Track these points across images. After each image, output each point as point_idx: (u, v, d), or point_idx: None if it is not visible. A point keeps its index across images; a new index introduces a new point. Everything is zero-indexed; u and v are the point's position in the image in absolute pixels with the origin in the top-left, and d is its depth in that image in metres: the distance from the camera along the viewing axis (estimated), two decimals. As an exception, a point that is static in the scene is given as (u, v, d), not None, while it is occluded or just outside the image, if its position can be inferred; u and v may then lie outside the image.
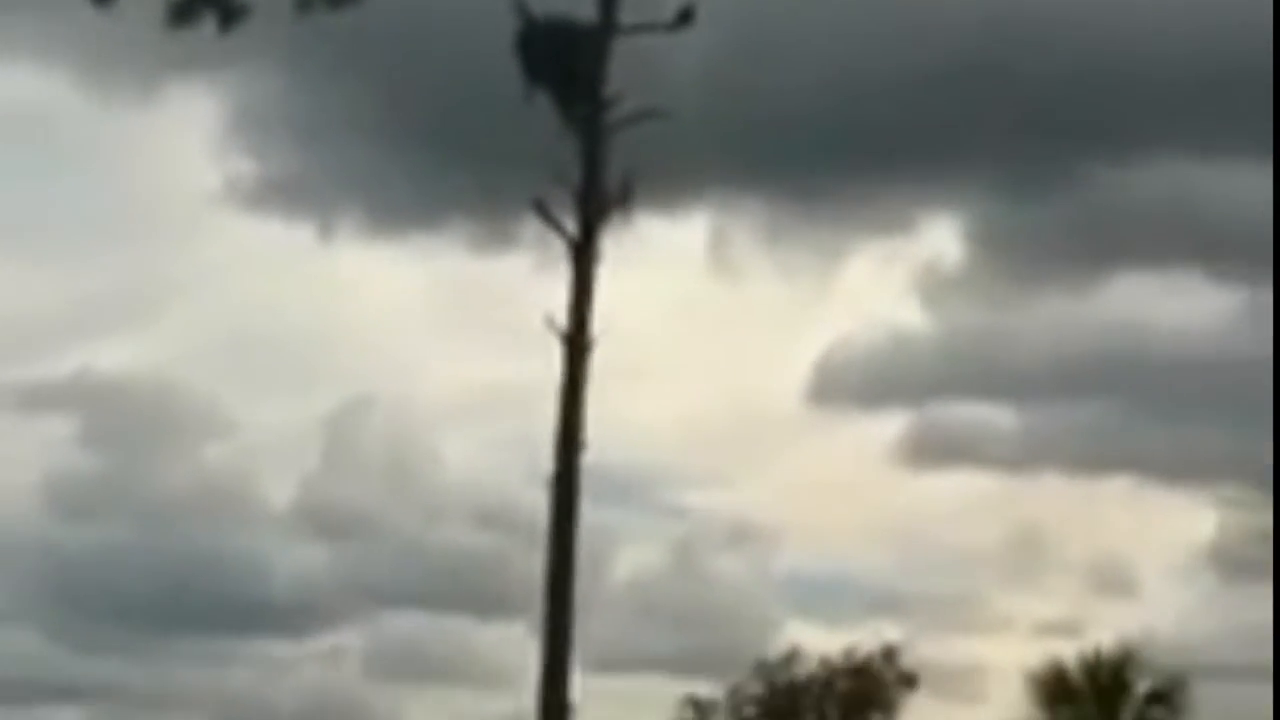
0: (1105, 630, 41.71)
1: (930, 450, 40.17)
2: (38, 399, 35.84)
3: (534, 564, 21.22)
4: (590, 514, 21.56)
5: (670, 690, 46.87)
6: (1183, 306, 39.17)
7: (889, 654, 46.94)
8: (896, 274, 40.37)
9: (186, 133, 35.20)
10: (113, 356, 34.96)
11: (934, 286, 40.15)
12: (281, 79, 31.08)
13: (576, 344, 21.60)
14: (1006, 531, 39.00)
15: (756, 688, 46.80)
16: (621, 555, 34.82)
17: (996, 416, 41.28)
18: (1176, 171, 36.52)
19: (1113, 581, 43.36)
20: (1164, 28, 32.20)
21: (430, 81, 24.83)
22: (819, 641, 45.59)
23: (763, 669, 46.87)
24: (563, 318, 21.65)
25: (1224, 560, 38.47)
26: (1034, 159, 36.06)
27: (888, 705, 46.76)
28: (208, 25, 17.98)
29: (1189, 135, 35.14)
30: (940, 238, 39.83)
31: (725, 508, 36.91)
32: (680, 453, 35.87)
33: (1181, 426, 38.71)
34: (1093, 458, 39.49)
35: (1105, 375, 39.08)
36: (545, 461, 21.52)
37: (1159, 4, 32.06)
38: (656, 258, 29.83)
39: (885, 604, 49.90)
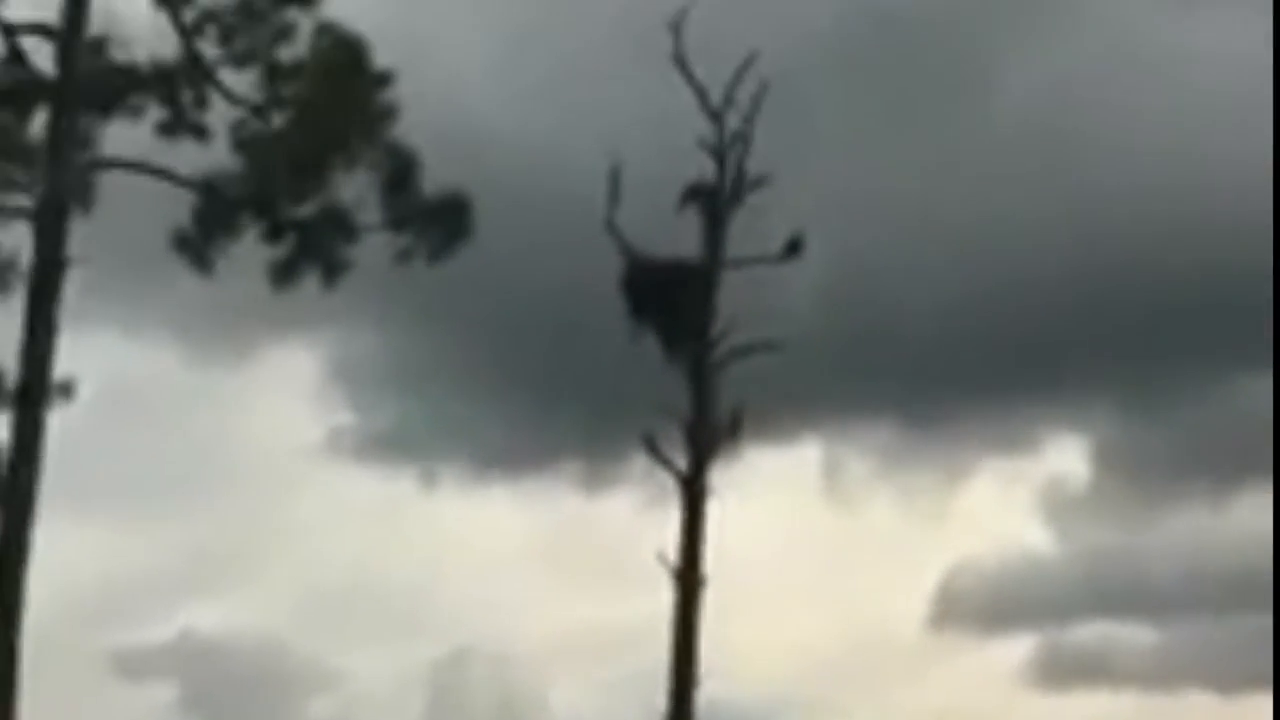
0: None
1: (1060, 672, 38.90)
2: (135, 664, 35.85)
3: (649, 806, 20.84)
4: (705, 750, 21.20)
5: None
6: (1325, 515, 37.94)
7: None
8: (1020, 495, 39.53)
9: (286, 388, 35.61)
10: (214, 616, 35.04)
11: (1059, 506, 39.30)
12: (379, 329, 31.53)
13: (689, 580, 21.40)
14: (1146, 751, 37.66)
15: None
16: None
17: (1130, 635, 39.96)
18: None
19: (1267, 808, 41.62)
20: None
21: (532, 323, 25.08)
22: None
23: None
24: (674, 554, 21.47)
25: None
26: (1157, 373, 35.44)
27: None
28: (309, 283, 18.40)
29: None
30: (1064, 457, 39.08)
31: (847, 741, 36.02)
32: (796, 686, 35.08)
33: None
34: (1240, 675, 37.96)
35: (1247, 588, 37.73)
36: (659, 700, 21.21)
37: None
38: (769, 488, 29.59)
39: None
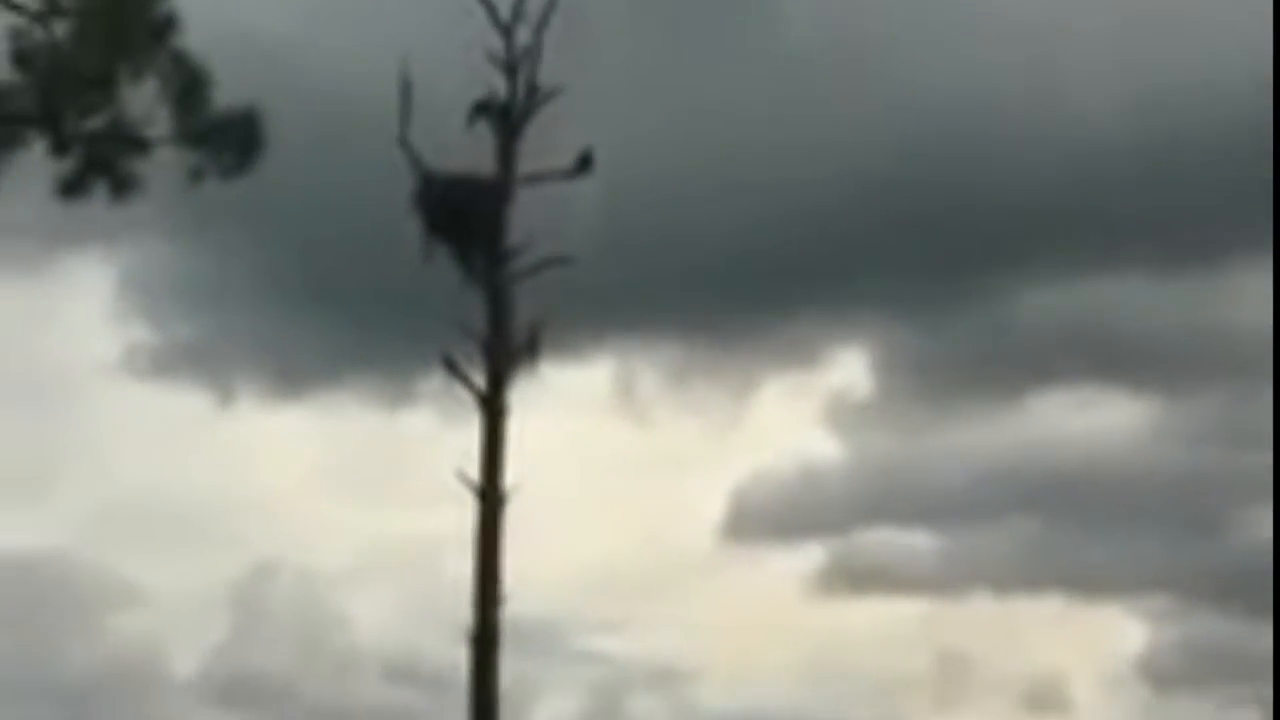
0: (1038, 749, 41.28)
1: (850, 579, 39.90)
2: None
3: (454, 720, 20.85)
4: (508, 665, 21.28)
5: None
6: (1099, 421, 39.49)
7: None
8: (807, 406, 40.28)
9: (81, 303, 34.91)
10: (9, 532, 34.26)
11: (844, 417, 40.16)
12: (175, 244, 31.05)
13: (490, 498, 21.36)
14: (933, 656, 38.82)
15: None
16: (541, 705, 34.39)
17: (916, 541, 41.11)
18: (1082, 287, 37.06)
19: (1044, 700, 43.18)
20: (1062, 146, 32.82)
21: (329, 240, 24.80)
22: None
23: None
24: (474, 471, 21.41)
25: (1153, 673, 38.60)
26: (938, 284, 36.35)
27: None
28: (99, 196, 17.87)
29: (1089, 250, 35.74)
30: (848, 369, 39.93)
31: (643, 651, 36.54)
32: (596, 598, 35.51)
33: (1104, 541, 38.90)
34: (1017, 577, 39.43)
35: (1025, 494, 39.18)
36: (462, 616, 21.21)
37: (1056, 118, 32.70)
38: (564, 405, 29.77)
39: (812, 737, 49.11)
